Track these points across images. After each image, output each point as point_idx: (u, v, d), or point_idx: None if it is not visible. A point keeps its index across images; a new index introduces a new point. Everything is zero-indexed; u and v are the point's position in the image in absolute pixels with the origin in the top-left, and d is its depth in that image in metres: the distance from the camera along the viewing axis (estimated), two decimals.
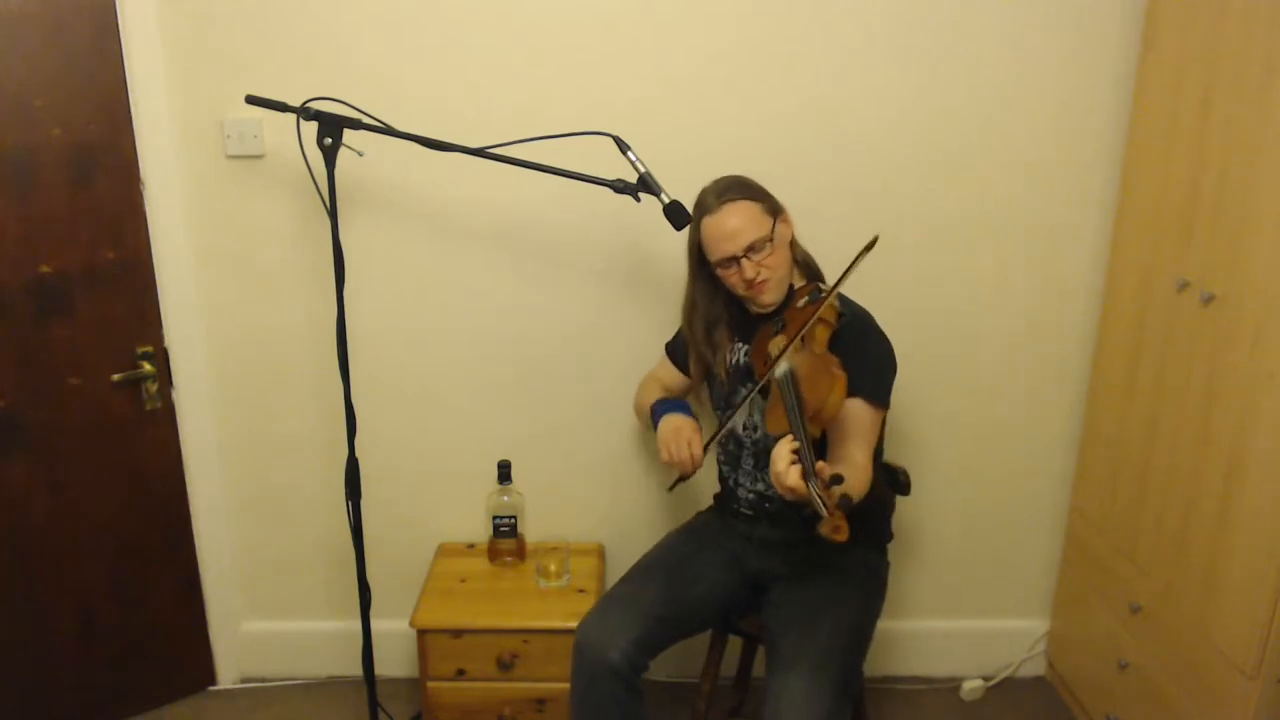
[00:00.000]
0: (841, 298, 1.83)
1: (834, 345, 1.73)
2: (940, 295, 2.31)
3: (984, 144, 2.21)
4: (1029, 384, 2.39)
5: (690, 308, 1.95)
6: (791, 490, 1.46)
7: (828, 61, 2.16)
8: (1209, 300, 1.85)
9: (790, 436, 1.52)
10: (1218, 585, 1.83)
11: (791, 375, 1.57)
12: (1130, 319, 2.16)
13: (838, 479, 1.44)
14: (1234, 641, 1.78)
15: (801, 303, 1.83)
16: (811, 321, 1.69)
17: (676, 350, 2.11)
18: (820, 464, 1.46)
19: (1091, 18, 2.13)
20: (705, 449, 1.87)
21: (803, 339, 1.70)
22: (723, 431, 1.89)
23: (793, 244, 1.88)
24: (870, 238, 1.57)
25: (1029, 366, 2.38)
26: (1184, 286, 1.93)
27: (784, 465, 1.47)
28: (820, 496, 1.42)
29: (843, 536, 1.41)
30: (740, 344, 1.94)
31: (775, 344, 1.79)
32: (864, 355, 1.77)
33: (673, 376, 2.13)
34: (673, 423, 1.90)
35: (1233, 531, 1.79)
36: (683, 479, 1.91)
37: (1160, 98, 2.04)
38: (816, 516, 1.44)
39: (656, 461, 2.43)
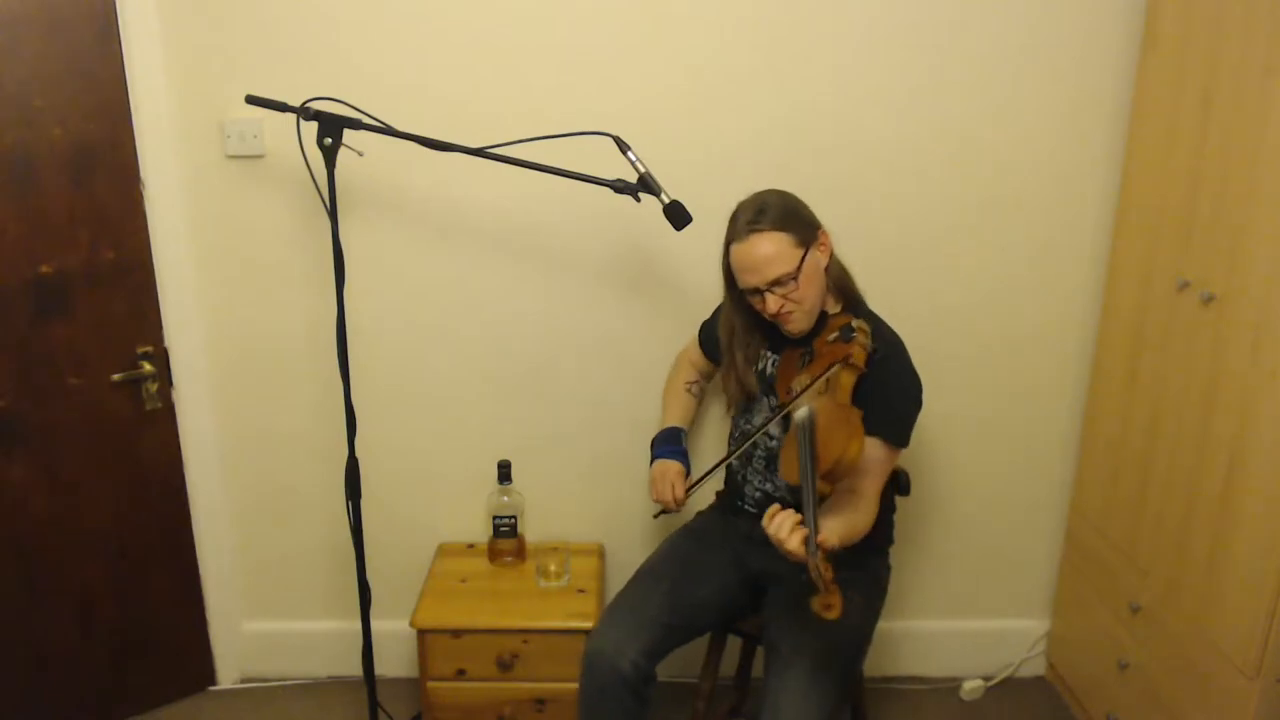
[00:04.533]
0: (873, 328, 1.78)
1: (862, 381, 1.70)
2: (940, 295, 2.31)
3: (984, 144, 2.21)
4: (1029, 384, 2.39)
5: (725, 321, 1.95)
6: (791, 554, 1.47)
7: (827, 62, 2.15)
8: (1209, 300, 1.85)
9: (797, 508, 1.51)
10: (1218, 585, 1.83)
11: (810, 424, 1.52)
12: (1130, 319, 2.16)
13: (835, 554, 1.46)
14: (1234, 641, 1.78)
15: (832, 337, 1.77)
16: (836, 368, 1.67)
17: (707, 335, 2.12)
18: (823, 536, 1.46)
19: (1091, 18, 2.13)
20: (688, 493, 1.96)
21: (827, 382, 1.67)
22: (703, 481, 1.92)
23: (828, 266, 1.82)
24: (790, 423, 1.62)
25: (1029, 366, 2.38)
26: (1184, 286, 1.93)
27: (786, 533, 1.48)
28: (819, 569, 1.42)
29: (834, 615, 1.42)
30: (771, 354, 1.92)
31: (799, 381, 1.76)
32: (890, 395, 1.74)
33: (701, 359, 2.16)
34: (660, 467, 2.01)
35: (1233, 531, 1.79)
36: (666, 512, 1.99)
37: (1160, 98, 2.04)
38: (812, 585, 1.44)
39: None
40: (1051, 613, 2.57)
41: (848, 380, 1.69)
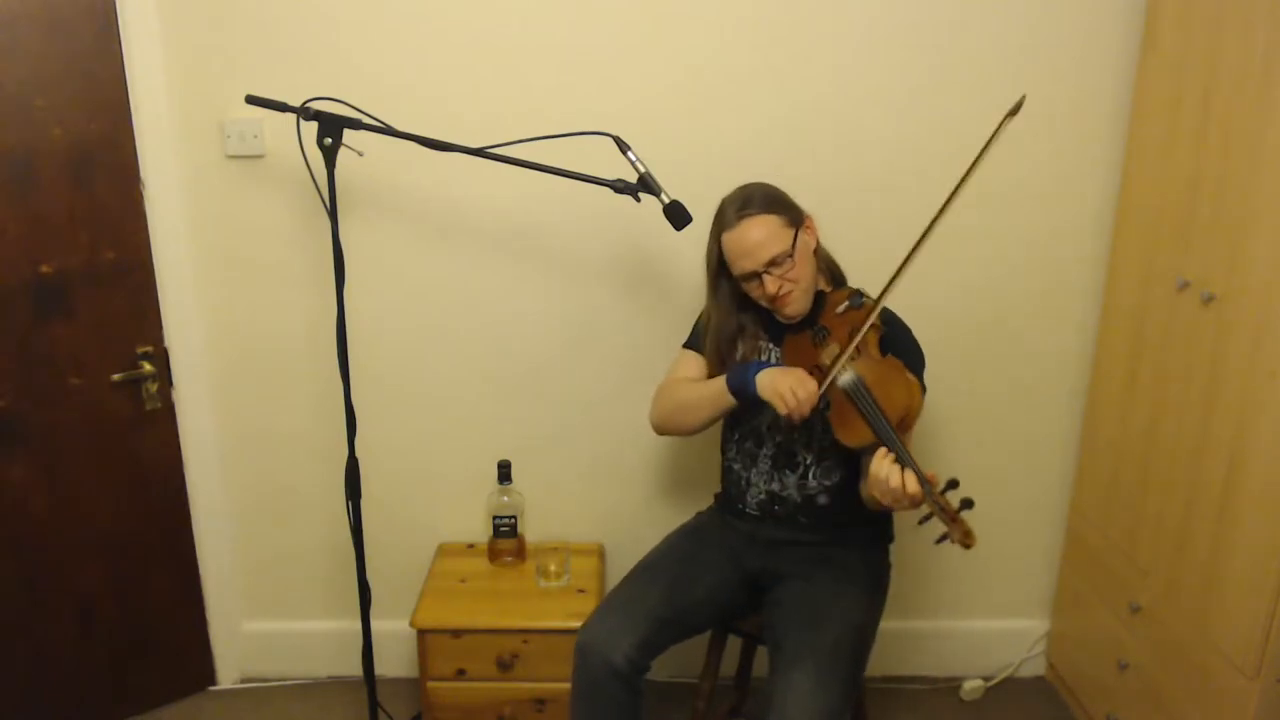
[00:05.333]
0: (861, 291, 1.83)
1: (880, 342, 1.75)
2: (940, 295, 2.31)
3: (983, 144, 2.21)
4: (1029, 384, 2.40)
5: (709, 320, 1.92)
6: (912, 499, 1.48)
7: (827, 61, 2.15)
8: (1209, 300, 1.85)
9: (885, 449, 1.53)
10: (1218, 585, 1.83)
11: (861, 383, 1.55)
12: (1130, 319, 2.16)
13: (954, 483, 1.47)
14: (1234, 641, 1.78)
15: (841, 309, 1.80)
16: (865, 330, 1.68)
17: (698, 344, 1.98)
18: (930, 472, 1.47)
19: (1091, 18, 2.13)
20: (821, 392, 1.69)
21: (858, 348, 1.70)
22: (831, 379, 1.69)
23: (816, 249, 1.86)
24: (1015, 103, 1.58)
25: (1029, 367, 2.38)
26: (1184, 286, 1.93)
27: (898, 479, 1.49)
28: (941, 502, 1.43)
29: (974, 541, 1.42)
30: (771, 345, 1.91)
31: (828, 353, 1.76)
32: (904, 353, 1.78)
33: (701, 370, 1.96)
34: (778, 373, 1.72)
35: (1233, 531, 1.79)
36: (793, 428, 1.80)
37: (1160, 98, 2.04)
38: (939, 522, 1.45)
39: (656, 460, 2.44)
40: (1051, 613, 2.57)
41: (873, 339, 1.74)
